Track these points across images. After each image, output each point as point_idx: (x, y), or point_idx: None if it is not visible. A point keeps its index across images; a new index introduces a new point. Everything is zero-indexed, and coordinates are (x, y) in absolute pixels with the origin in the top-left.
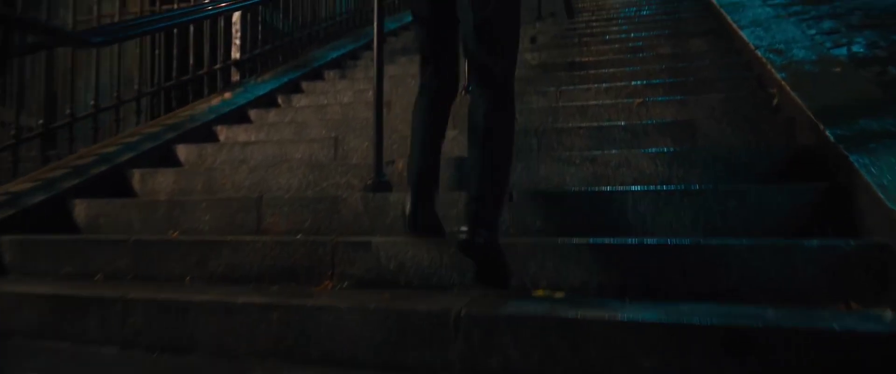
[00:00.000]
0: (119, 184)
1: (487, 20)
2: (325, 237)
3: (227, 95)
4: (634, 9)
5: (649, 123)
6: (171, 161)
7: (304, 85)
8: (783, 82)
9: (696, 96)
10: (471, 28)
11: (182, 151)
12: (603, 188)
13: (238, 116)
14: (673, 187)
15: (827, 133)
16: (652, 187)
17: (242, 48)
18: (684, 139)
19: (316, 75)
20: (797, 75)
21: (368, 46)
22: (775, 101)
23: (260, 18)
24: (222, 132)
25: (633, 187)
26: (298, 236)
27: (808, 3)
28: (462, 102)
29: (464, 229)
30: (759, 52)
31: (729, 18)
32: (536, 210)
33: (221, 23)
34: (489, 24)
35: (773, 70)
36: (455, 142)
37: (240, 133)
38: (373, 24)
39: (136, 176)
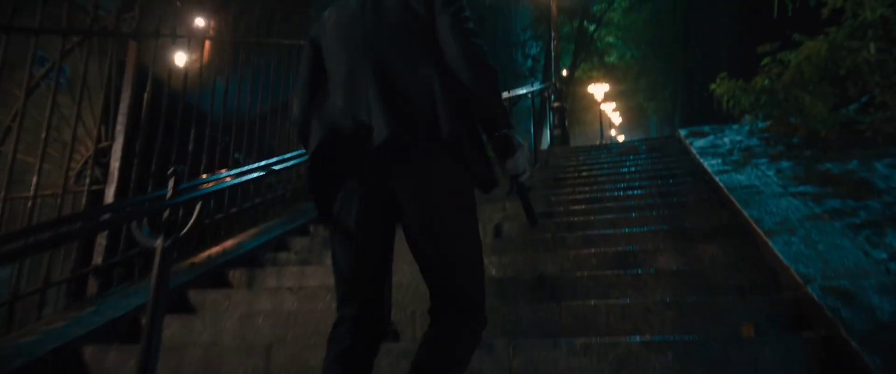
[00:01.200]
0: None
1: (445, 230)
2: None
3: (60, 322)
4: (623, 186)
5: None
6: None
7: (192, 295)
8: None
9: None
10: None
11: None
12: None
13: (64, 360)
14: None
15: None
16: None
17: (111, 248)
18: None
19: (215, 278)
20: None
21: (303, 231)
22: None
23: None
24: None
25: None
26: None
27: (846, 196)
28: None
29: None
30: (812, 292)
31: (744, 213)
32: None
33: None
34: (448, 234)
35: (852, 342)
36: None
37: None
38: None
39: None
